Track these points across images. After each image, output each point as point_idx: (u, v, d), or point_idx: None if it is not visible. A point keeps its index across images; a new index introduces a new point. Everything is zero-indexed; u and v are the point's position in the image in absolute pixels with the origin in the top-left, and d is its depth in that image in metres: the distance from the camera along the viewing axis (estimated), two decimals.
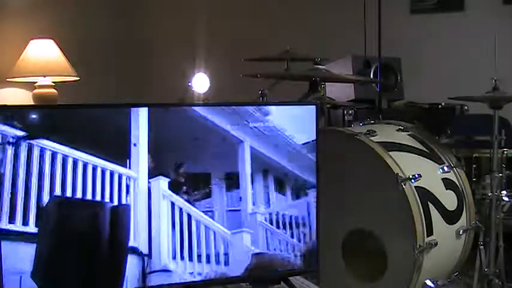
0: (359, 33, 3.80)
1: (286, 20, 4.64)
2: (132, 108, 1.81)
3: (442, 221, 2.45)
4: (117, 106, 1.86)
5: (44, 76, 3.76)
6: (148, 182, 1.81)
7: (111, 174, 1.79)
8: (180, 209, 1.87)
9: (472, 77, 3.43)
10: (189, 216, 1.89)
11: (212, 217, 1.90)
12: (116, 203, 1.79)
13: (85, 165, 1.77)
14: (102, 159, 1.77)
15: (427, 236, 2.35)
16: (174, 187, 1.86)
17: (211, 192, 1.91)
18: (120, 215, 1.78)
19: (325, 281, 2.34)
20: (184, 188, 1.87)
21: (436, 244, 2.36)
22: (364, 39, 3.80)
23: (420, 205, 2.34)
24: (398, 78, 4.14)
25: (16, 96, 3.96)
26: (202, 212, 1.90)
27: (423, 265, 2.34)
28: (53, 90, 3.83)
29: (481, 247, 2.66)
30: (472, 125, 2.81)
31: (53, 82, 3.84)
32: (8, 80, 3.78)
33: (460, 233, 2.52)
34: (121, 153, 1.80)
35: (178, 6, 4.90)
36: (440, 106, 2.75)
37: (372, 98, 3.89)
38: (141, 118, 1.82)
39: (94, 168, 1.76)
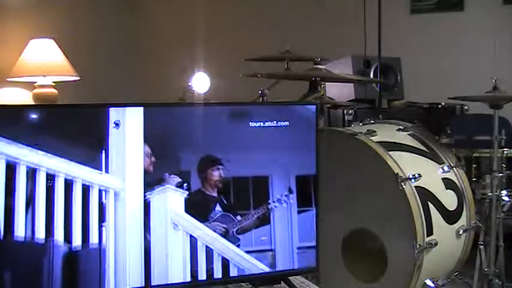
0: (359, 33, 3.80)
1: (286, 20, 4.64)
2: (110, 108, 1.08)
3: (442, 220, 2.45)
4: (96, 106, 1.12)
5: (44, 76, 3.76)
6: (145, 198, 1.02)
7: (69, 184, 0.95)
8: (208, 250, 1.06)
9: (472, 77, 3.43)
10: (225, 262, 1.09)
11: (271, 262, 1.16)
12: (76, 242, 0.95)
13: (12, 167, 0.91)
14: (49, 153, 0.94)
15: (427, 236, 2.35)
16: (195, 207, 1.04)
17: (270, 214, 1.14)
18: (83, 270, 0.94)
19: (325, 281, 2.34)
20: (219, 208, 1.07)
21: (436, 244, 2.36)
22: (364, 39, 3.80)
23: (420, 205, 2.34)
24: (398, 78, 4.13)
25: (16, 96, 3.96)
26: (250, 252, 1.12)
27: (423, 265, 2.34)
28: (53, 90, 3.82)
29: (481, 247, 2.66)
30: (472, 125, 2.81)
31: (53, 82, 3.84)
32: (8, 80, 3.78)
33: (460, 232, 2.52)
34: (89, 144, 0.98)
35: (179, 6, 4.90)
36: (440, 106, 2.75)
37: (372, 98, 3.89)
38: (128, 114, 1.07)
39: (31, 173, 0.93)
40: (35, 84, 3.80)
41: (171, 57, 4.73)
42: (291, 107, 1.34)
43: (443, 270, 2.55)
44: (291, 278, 1.93)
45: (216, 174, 1.08)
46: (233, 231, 1.08)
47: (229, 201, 1.09)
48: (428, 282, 2.40)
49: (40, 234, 0.90)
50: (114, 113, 1.06)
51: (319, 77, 2.77)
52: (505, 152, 2.80)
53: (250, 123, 1.21)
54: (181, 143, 1.07)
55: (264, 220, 1.12)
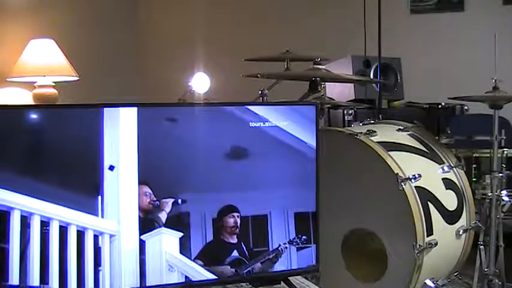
0: (359, 33, 3.80)
1: (287, 20, 4.64)
2: (105, 108, 1.05)
3: (442, 221, 2.45)
4: (86, 107, 1.08)
5: (44, 76, 3.76)
6: (141, 240, 1.01)
7: (64, 230, 0.93)
8: None
9: (472, 77, 3.43)
10: None
11: None
12: None
13: (6, 213, 0.91)
14: (42, 200, 0.93)
15: (427, 236, 2.35)
16: (211, 255, 1.03)
17: (281, 255, 1.16)
18: None
19: (325, 281, 2.34)
20: (236, 253, 1.07)
21: (436, 244, 2.36)
22: (364, 39, 3.80)
23: (420, 205, 2.34)
24: (398, 78, 4.13)
25: (16, 96, 3.96)
26: None
27: (423, 265, 2.34)
28: (53, 90, 3.82)
29: (481, 247, 2.66)
30: (472, 125, 2.81)
31: (53, 82, 3.84)
32: (8, 80, 3.78)
33: (460, 233, 2.52)
34: (84, 187, 0.98)
35: (179, 7, 4.90)
36: (440, 106, 2.75)
37: (372, 98, 3.89)
38: (123, 122, 1.02)
39: (25, 219, 0.91)
40: (35, 84, 3.80)
41: (171, 57, 4.73)
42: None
43: (443, 270, 2.55)
44: (291, 278, 1.94)
45: (231, 221, 1.09)
46: (243, 273, 1.10)
47: (246, 246, 1.11)
48: (428, 282, 2.40)
49: (32, 279, 0.89)
50: (108, 156, 1.02)
51: (319, 77, 2.77)
52: (505, 152, 2.80)
53: (251, 123, 1.24)
54: (179, 183, 1.07)
55: (275, 259, 1.15)
